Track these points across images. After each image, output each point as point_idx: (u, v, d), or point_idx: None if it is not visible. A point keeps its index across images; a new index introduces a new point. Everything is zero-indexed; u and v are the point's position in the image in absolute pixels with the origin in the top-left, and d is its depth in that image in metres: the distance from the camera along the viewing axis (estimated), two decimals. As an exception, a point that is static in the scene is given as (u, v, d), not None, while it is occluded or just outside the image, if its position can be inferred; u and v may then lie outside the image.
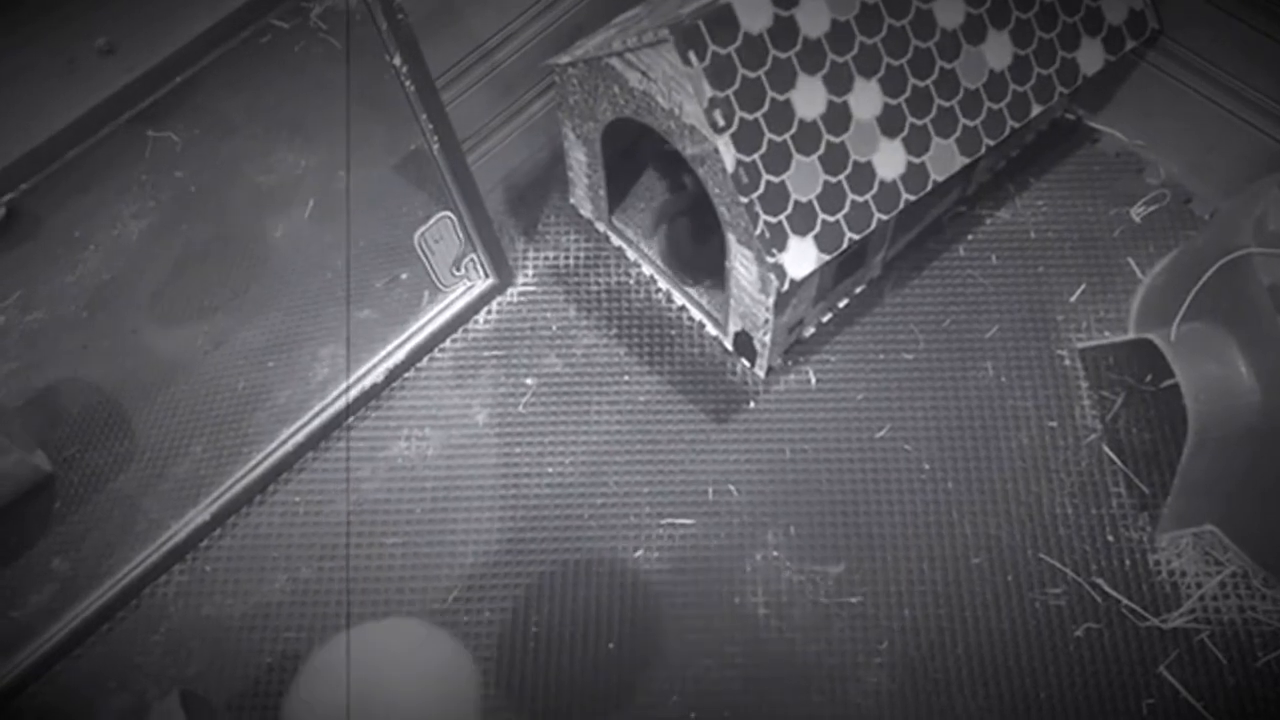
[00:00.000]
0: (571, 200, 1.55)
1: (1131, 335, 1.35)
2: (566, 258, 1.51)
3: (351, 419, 1.39)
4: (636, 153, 1.48)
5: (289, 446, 1.34)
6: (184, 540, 1.30)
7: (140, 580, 1.29)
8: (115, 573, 1.28)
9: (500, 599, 1.26)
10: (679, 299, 1.45)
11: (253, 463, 1.33)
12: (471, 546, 1.29)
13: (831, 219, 1.13)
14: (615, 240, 1.51)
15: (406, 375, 1.42)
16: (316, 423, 1.35)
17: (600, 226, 1.52)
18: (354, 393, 1.37)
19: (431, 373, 1.42)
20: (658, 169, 1.50)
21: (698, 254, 1.41)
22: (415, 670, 1.16)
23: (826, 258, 1.13)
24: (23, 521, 1.35)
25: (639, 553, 1.29)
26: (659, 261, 1.45)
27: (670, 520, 1.30)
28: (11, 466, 1.29)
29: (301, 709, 1.10)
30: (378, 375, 1.38)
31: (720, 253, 1.36)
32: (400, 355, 1.39)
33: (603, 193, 1.44)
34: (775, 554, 1.27)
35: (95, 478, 1.39)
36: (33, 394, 1.46)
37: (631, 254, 1.49)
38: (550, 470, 1.34)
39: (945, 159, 1.20)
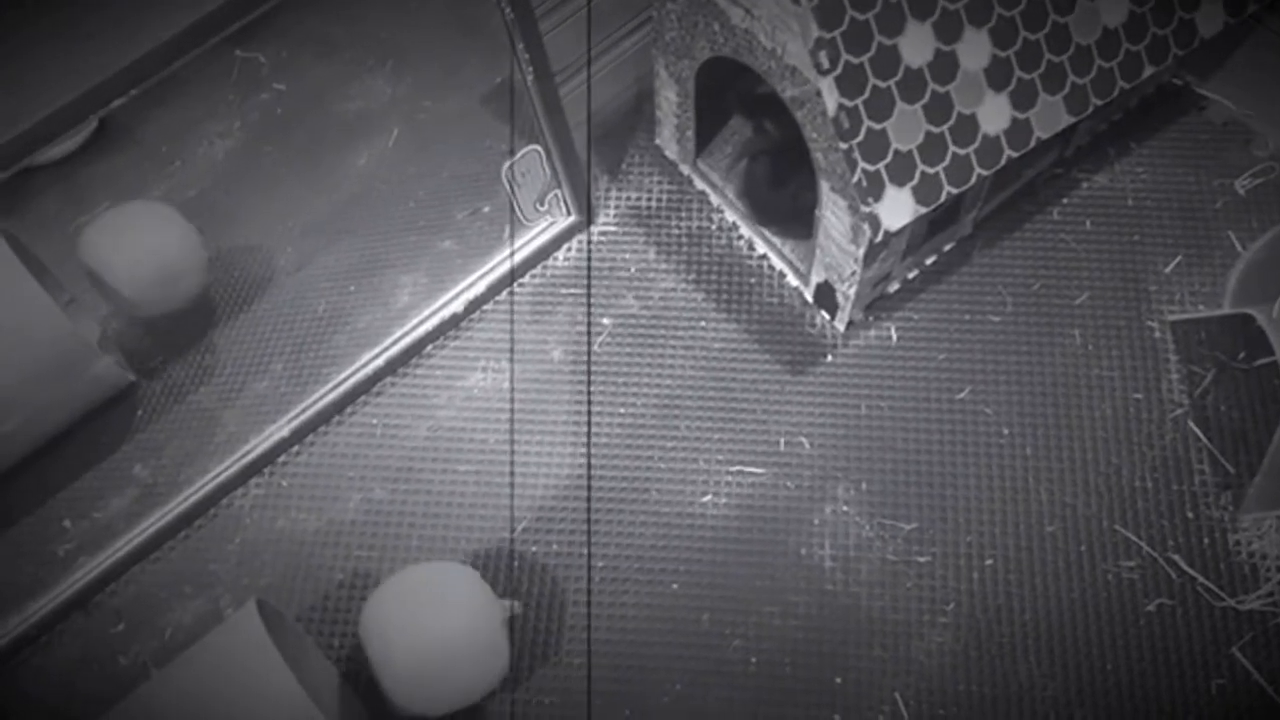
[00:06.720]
0: (657, 141, 1.53)
1: (1228, 310, 1.31)
2: (648, 199, 1.49)
3: (430, 347, 1.40)
4: (725, 95, 1.46)
5: (368, 370, 1.35)
6: (262, 455, 1.32)
7: (218, 491, 1.31)
8: (194, 482, 1.31)
9: (568, 533, 1.27)
10: (760, 247, 1.44)
11: (332, 383, 1.35)
12: (542, 479, 1.30)
13: (931, 171, 1.10)
14: (699, 184, 1.49)
15: (485, 307, 1.42)
16: (396, 348, 1.36)
17: (684, 169, 1.50)
18: (432, 322, 1.38)
19: (510, 306, 1.42)
20: (745, 113, 1.47)
21: (773, 196, 1.39)
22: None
23: (924, 210, 1.10)
24: (106, 427, 1.39)
25: (707, 498, 1.29)
26: (736, 197, 1.43)
27: (740, 468, 1.30)
28: (102, 371, 1.32)
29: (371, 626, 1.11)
30: (457, 306, 1.39)
31: (794, 200, 1.34)
32: (480, 287, 1.40)
33: (690, 134, 1.43)
34: (845, 508, 1.27)
35: (177, 389, 1.41)
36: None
37: (714, 198, 1.48)
38: (623, 411, 1.34)
39: (1051, 116, 1.16)
